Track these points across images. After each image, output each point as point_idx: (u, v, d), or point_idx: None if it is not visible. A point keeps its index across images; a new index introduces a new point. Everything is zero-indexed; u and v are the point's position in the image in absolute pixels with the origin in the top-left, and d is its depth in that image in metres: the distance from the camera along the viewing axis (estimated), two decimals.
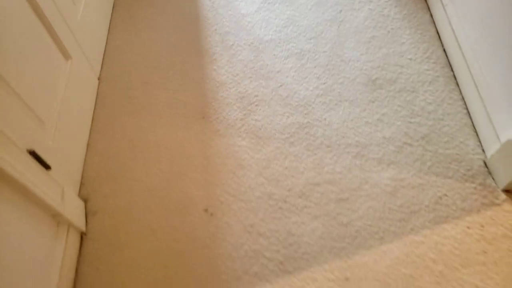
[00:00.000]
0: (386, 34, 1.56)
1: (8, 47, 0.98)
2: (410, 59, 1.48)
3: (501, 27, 1.14)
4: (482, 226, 1.15)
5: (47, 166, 1.06)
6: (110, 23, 1.71)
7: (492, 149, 1.20)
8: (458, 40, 1.38)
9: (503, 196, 1.18)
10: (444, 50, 1.49)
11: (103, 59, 1.58)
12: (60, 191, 1.11)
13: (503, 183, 1.17)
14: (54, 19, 1.20)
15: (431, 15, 1.60)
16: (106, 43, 1.64)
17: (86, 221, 1.23)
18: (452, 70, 1.43)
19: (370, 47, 1.53)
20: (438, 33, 1.54)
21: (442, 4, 1.49)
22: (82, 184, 1.29)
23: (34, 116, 1.06)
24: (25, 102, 1.02)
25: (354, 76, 1.45)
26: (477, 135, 1.29)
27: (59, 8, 1.24)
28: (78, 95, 1.35)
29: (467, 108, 1.34)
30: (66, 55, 1.27)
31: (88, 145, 1.37)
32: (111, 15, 1.74)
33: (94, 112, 1.44)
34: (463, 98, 1.37)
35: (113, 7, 1.76)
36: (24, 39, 1.06)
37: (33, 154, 1.00)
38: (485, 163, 1.24)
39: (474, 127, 1.30)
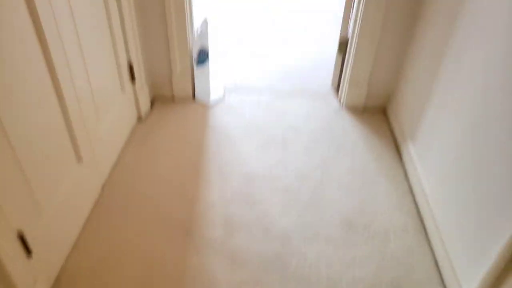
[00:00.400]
0: (364, 183, 1.74)
1: (31, 133, 1.13)
2: (384, 207, 1.62)
3: (462, 190, 1.30)
4: None
5: (29, 251, 1.12)
6: (125, 141, 1.95)
7: None
8: (426, 197, 1.54)
9: None
10: (415, 203, 1.64)
11: (110, 172, 1.76)
12: (32, 280, 1.13)
13: None
14: (76, 120, 1.38)
15: (405, 172, 1.80)
16: (117, 159, 1.84)
17: None
18: (421, 221, 1.55)
19: (349, 193, 1.69)
20: (410, 187, 1.72)
21: (414, 164, 1.71)
22: (57, 279, 1.30)
23: (34, 201, 1.17)
24: (31, 187, 1.14)
25: (332, 217, 1.57)
26: (444, 285, 1.32)
27: (83, 113, 1.44)
28: (79, 195, 1.47)
29: (435, 259, 1.40)
30: (78, 157, 1.43)
31: (74, 243, 1.43)
32: (129, 135, 1.99)
33: (89, 214, 1.54)
34: (431, 249, 1.44)
35: (132, 128, 2.04)
36: (46, 132, 1.22)
37: (21, 236, 1.08)
38: None
39: (441, 277, 1.34)
